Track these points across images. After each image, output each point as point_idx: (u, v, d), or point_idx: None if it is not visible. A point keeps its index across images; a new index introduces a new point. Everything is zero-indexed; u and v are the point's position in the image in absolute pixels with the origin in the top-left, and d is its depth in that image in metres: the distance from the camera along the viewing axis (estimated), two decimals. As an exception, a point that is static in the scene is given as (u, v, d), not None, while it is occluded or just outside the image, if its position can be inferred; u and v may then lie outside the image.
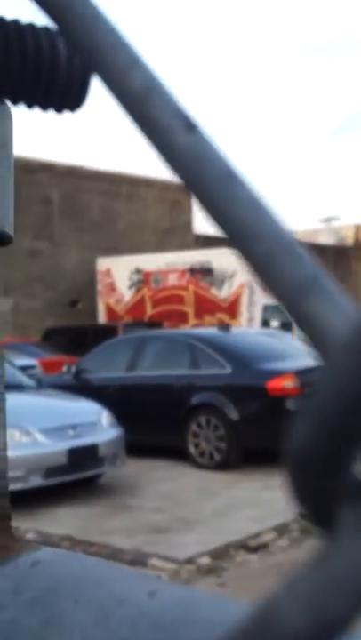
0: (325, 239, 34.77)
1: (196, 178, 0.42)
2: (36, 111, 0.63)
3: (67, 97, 0.62)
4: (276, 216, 0.42)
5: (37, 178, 21.14)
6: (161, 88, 0.44)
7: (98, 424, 8.75)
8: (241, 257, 0.42)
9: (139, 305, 20.03)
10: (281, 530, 7.21)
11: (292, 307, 0.30)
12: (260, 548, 6.86)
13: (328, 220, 39.79)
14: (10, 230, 0.61)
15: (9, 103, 0.62)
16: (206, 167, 0.41)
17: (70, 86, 0.61)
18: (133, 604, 0.47)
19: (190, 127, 0.43)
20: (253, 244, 0.41)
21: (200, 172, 0.41)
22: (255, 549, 6.81)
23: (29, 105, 0.62)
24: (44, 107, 0.62)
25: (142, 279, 20.07)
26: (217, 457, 9.81)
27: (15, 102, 0.62)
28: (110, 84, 0.43)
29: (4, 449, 0.58)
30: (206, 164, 0.41)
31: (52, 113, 0.63)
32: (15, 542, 0.56)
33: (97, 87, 0.61)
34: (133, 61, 0.44)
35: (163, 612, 0.46)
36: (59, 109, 0.63)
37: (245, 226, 0.41)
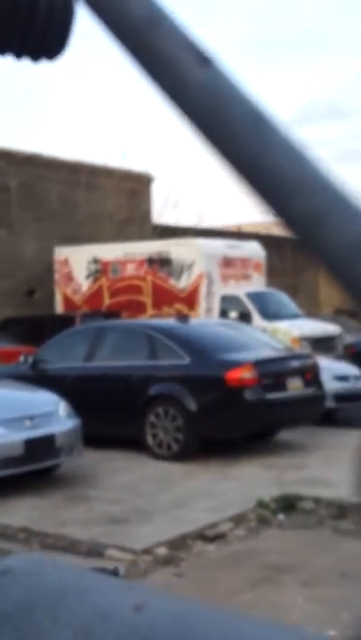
0: (285, 231, 34.88)
1: (216, 121, 0.35)
2: (7, 61, 0.56)
3: (45, 40, 0.54)
4: (319, 165, 0.35)
5: (-5, 165, 20.93)
6: (166, 17, 0.38)
7: (55, 415, 8.68)
8: (277, 215, 0.35)
9: (96, 295, 19.92)
10: (238, 520, 7.25)
11: (345, 272, 0.26)
12: (218, 537, 6.88)
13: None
14: None
15: None
16: (227, 108, 0.35)
17: (49, 27, 0.53)
18: (119, 620, 0.43)
19: (204, 60, 0.37)
20: (294, 199, 0.34)
21: (220, 113, 0.35)
22: (212, 539, 6.83)
23: (2, 52, 0.54)
24: (19, 53, 0.54)
25: (100, 269, 19.96)
26: (175, 447, 9.81)
27: None
28: (106, 13, 0.38)
29: None
30: (227, 104, 0.35)
31: (26, 61, 0.56)
32: None
33: (79, 30, 0.55)
34: None
35: (152, 628, 0.42)
36: (35, 56, 0.55)
37: (283, 177, 0.34)
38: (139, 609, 0.43)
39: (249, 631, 0.41)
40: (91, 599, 0.45)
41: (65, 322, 15.59)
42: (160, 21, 0.38)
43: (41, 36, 0.54)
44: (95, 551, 6.42)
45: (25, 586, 0.46)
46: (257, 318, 16.93)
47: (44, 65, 0.57)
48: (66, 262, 20.72)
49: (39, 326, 15.99)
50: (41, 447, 8.24)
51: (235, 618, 0.42)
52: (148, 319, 15.53)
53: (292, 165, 0.35)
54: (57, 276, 20.89)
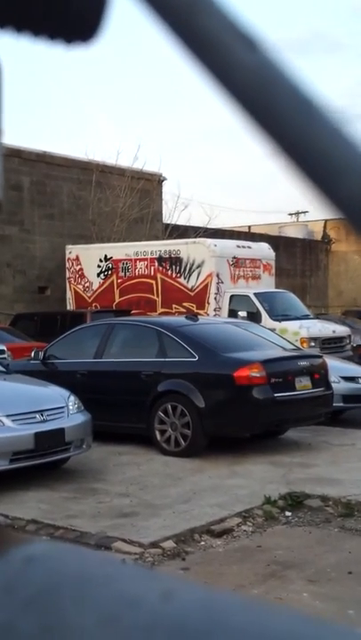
0: (294, 233, 34.94)
1: (263, 104, 0.36)
2: (40, 45, 0.52)
3: (80, 23, 0.51)
4: None
5: (7, 163, 20.98)
6: (212, 0, 0.38)
7: (65, 409, 8.75)
8: (324, 196, 0.37)
9: (107, 292, 20.01)
10: (245, 516, 7.28)
11: None
12: (225, 533, 6.91)
13: (297, 214, 40.02)
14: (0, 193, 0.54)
15: (10, 33, 0.52)
16: (275, 90, 0.36)
17: (85, 9, 0.51)
18: (146, 607, 0.41)
19: (251, 45, 0.37)
20: (343, 180, 0.36)
21: (267, 96, 0.36)
22: (220, 534, 6.86)
23: (35, 34, 0.51)
24: (53, 36, 0.52)
25: (111, 267, 20.05)
26: (183, 443, 9.86)
27: (19, 30, 0.51)
28: None
29: None
30: (274, 87, 0.36)
31: (60, 45, 0.52)
32: (4, 534, 0.51)
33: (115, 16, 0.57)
34: None
35: (180, 616, 0.40)
36: (69, 39, 0.52)
37: (331, 158, 0.35)
38: (166, 597, 0.42)
39: (280, 621, 0.40)
40: (116, 586, 0.43)
41: (76, 318, 15.67)
42: (206, 4, 0.38)
43: (75, 18, 0.51)
44: (103, 544, 6.48)
45: (48, 572, 0.45)
46: (266, 318, 16.98)
47: (78, 50, 0.53)
48: (77, 260, 20.82)
49: (50, 322, 16.06)
50: (51, 441, 8.31)
51: (265, 607, 0.42)
52: (158, 317, 15.58)
53: (341, 146, 0.36)
54: (68, 274, 20.99)
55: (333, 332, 17.65)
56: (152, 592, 0.42)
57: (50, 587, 0.43)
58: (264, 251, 20.12)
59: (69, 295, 20.88)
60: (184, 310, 17.35)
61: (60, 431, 8.42)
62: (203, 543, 6.67)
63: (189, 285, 18.62)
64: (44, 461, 8.27)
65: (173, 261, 18.92)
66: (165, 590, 0.42)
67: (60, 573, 0.45)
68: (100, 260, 20.25)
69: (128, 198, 23.74)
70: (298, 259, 32.83)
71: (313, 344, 16.47)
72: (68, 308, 20.39)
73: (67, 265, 21.07)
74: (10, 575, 0.45)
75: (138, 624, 0.40)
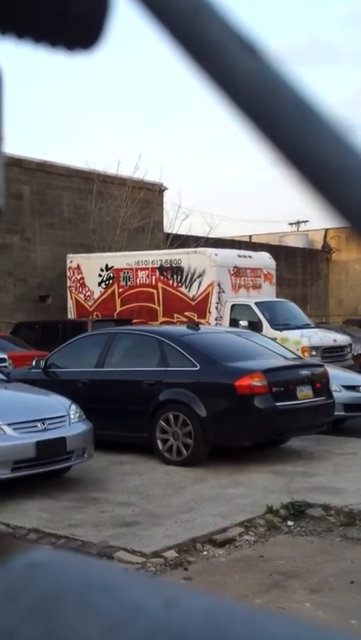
0: (295, 242, 34.98)
1: (264, 110, 0.36)
2: (42, 52, 0.52)
3: (82, 30, 0.51)
4: None
5: (8, 172, 20.98)
6: (213, 7, 0.38)
7: (66, 418, 8.74)
8: (326, 204, 0.37)
9: (108, 301, 20.03)
10: (247, 525, 7.26)
11: None
12: (227, 542, 6.90)
13: (297, 223, 40.07)
14: (1, 198, 0.52)
15: (10, 39, 0.51)
16: (276, 97, 0.36)
17: (86, 16, 0.50)
18: (149, 615, 0.41)
19: (252, 52, 0.37)
20: (345, 186, 0.35)
21: (268, 102, 0.36)
22: (222, 544, 6.85)
23: (37, 40, 0.51)
24: (54, 43, 0.51)
25: (112, 276, 20.08)
26: (185, 453, 9.85)
27: (20, 37, 0.51)
28: (151, 3, 0.38)
29: None
30: (277, 95, 0.36)
31: (61, 52, 0.51)
32: (6, 541, 0.50)
33: (117, 20, 0.56)
34: None
35: (184, 624, 0.40)
36: (71, 46, 0.52)
37: (333, 164, 0.35)
38: (170, 604, 0.41)
39: (283, 629, 0.40)
40: (119, 594, 0.43)
41: (77, 327, 15.68)
42: (207, 11, 0.38)
43: (77, 24, 0.51)
44: (105, 553, 6.46)
45: (50, 579, 0.45)
46: (267, 327, 16.98)
47: (80, 57, 0.53)
48: (78, 269, 20.85)
49: (51, 331, 16.07)
50: (52, 450, 8.29)
51: (268, 615, 0.41)
52: (159, 326, 15.57)
53: (343, 154, 0.36)
54: (69, 283, 21.02)
55: (334, 340, 17.65)
56: (155, 599, 0.42)
57: (52, 594, 0.43)
58: (265, 260, 20.14)
59: (70, 304, 20.90)
60: (185, 320, 17.36)
61: (62, 440, 8.41)
62: (205, 553, 6.65)
63: (191, 295, 18.64)
64: (45, 470, 8.25)
65: (175, 271, 18.94)
66: (168, 598, 0.42)
67: (62, 580, 0.44)
68: (102, 270, 20.27)
69: (129, 208, 23.78)
70: (299, 268, 32.87)
71: (314, 353, 16.46)
72: (69, 316, 20.40)
73: (68, 274, 21.09)
74: (12, 582, 0.44)
75: (141, 631, 0.40)
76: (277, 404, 9.87)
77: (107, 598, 0.42)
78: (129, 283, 19.76)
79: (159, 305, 19.13)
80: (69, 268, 21.09)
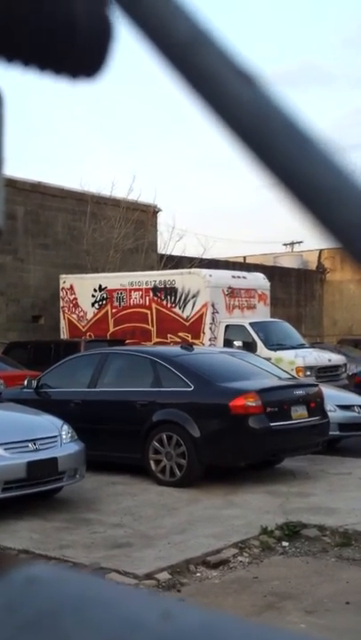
0: (289, 263, 35.04)
1: (260, 137, 0.38)
2: (46, 79, 0.52)
3: (86, 59, 0.51)
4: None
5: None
6: (210, 38, 0.40)
7: (58, 438, 8.66)
8: (321, 226, 0.37)
9: (101, 322, 20.00)
10: (241, 546, 7.18)
11: None
12: (221, 564, 6.82)
13: (291, 244, 40.17)
14: (1, 220, 0.53)
15: (15, 67, 0.52)
16: (271, 124, 0.37)
17: (90, 45, 0.51)
18: (148, 628, 0.41)
19: (247, 80, 0.39)
20: (338, 209, 0.36)
21: (264, 130, 0.37)
22: (216, 565, 6.76)
23: (41, 68, 0.51)
24: (58, 71, 0.51)
25: (105, 297, 20.06)
26: (178, 473, 9.76)
27: (26, 65, 0.51)
28: (151, 35, 0.39)
29: None
30: (271, 121, 0.38)
31: (65, 80, 0.52)
32: (4, 556, 0.49)
33: (121, 47, 0.55)
34: (176, 10, 0.40)
35: (182, 637, 0.41)
36: (74, 74, 0.52)
37: (327, 189, 0.36)
38: (166, 617, 0.42)
39: None
40: (117, 608, 0.43)
41: (70, 347, 15.62)
42: (204, 43, 0.40)
43: (81, 53, 0.52)
44: (97, 575, 6.35)
45: (50, 594, 0.45)
46: (261, 348, 16.95)
47: (83, 85, 0.54)
48: (71, 289, 20.84)
49: (44, 351, 16.02)
50: (43, 470, 8.22)
51: (266, 630, 0.41)
52: (153, 346, 15.52)
53: (336, 177, 0.37)
54: (62, 303, 21.00)
55: (329, 360, 17.63)
56: (152, 613, 0.42)
57: (51, 608, 0.43)
58: (259, 281, 20.16)
59: (63, 324, 20.87)
60: (179, 340, 17.31)
61: (53, 460, 8.33)
62: (198, 574, 6.57)
63: (185, 315, 18.61)
64: (36, 491, 8.18)
65: (168, 291, 18.92)
66: (164, 610, 0.42)
67: (61, 595, 0.44)
68: (95, 290, 20.26)
69: (123, 229, 23.81)
70: (293, 288, 32.90)
71: (309, 373, 16.42)
72: (62, 337, 20.35)
73: (61, 294, 21.08)
74: (11, 596, 0.45)
75: None
76: (272, 424, 9.80)
77: (105, 613, 0.42)
78: (122, 303, 19.74)
79: (153, 325, 19.10)
80: (62, 288, 21.08)
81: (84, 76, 0.52)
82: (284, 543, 7.38)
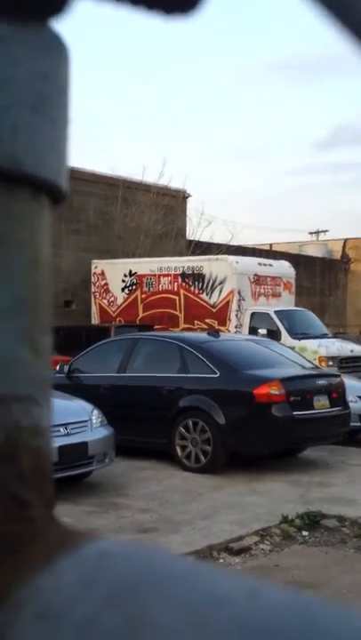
0: (314, 252, 35.03)
1: None
2: (138, 16, 0.48)
3: None
4: None
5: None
6: None
7: (88, 423, 8.91)
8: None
9: (131, 307, 20.20)
10: (263, 534, 7.40)
11: None
12: (243, 551, 7.04)
13: (317, 232, 40.10)
14: (64, 184, 0.50)
15: (105, 3, 0.46)
16: None
17: None
18: (234, 605, 0.39)
19: None
20: None
21: None
22: (238, 552, 6.99)
23: (134, 2, 0.47)
24: (151, 5, 0.47)
25: (135, 282, 20.25)
26: (203, 460, 10.00)
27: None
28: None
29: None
30: None
31: (158, 16, 0.48)
32: (70, 532, 0.47)
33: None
34: None
35: (270, 614, 0.38)
36: (168, 9, 0.47)
37: None
38: (254, 595, 0.39)
39: None
40: (199, 583, 0.41)
41: (100, 333, 15.84)
42: None
43: None
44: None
45: (125, 569, 0.43)
46: (285, 336, 17.10)
47: (177, 22, 0.48)
48: (102, 275, 21.04)
49: (75, 336, 16.23)
50: (74, 454, 8.43)
51: (358, 613, 0.39)
52: (181, 333, 15.75)
53: None
54: (93, 288, 21.19)
55: (351, 351, 17.75)
56: (238, 590, 0.40)
57: (130, 582, 0.41)
58: (285, 269, 20.26)
59: (94, 309, 21.07)
60: (206, 327, 17.50)
61: (84, 445, 8.58)
62: (221, 561, 6.80)
63: (211, 302, 18.78)
64: (66, 475, 8.32)
65: (196, 277, 19.08)
66: (252, 590, 0.40)
67: (138, 569, 0.42)
68: (125, 275, 20.46)
69: (153, 214, 23.96)
70: (317, 277, 32.91)
71: (331, 363, 16.57)
72: (93, 322, 20.57)
73: (92, 279, 21.28)
74: (86, 570, 0.43)
75: (227, 620, 0.38)
76: (295, 413, 10.00)
77: (187, 588, 0.40)
78: (152, 289, 19.92)
79: (181, 311, 19.28)
80: (94, 273, 21.29)
81: (178, 11, 0.46)
82: (304, 532, 7.61)
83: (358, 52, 0.39)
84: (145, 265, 20.27)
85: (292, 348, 14.38)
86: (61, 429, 8.53)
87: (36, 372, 0.47)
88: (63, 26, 0.47)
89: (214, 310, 18.68)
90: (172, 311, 19.37)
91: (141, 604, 0.40)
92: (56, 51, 0.48)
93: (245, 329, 18.02)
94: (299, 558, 6.96)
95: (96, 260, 21.51)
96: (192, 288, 19.12)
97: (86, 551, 0.44)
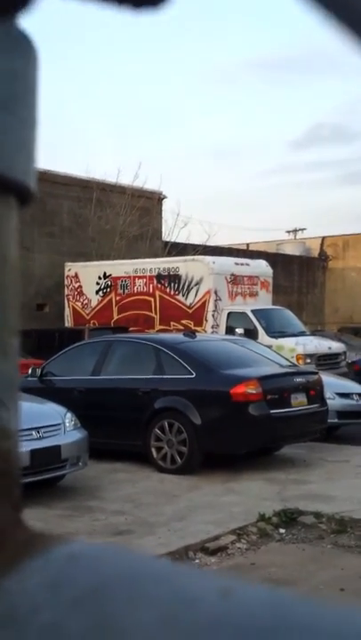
0: (292, 250, 35.09)
1: None
2: (108, 10, 0.47)
3: None
4: None
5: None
6: None
7: (61, 426, 8.80)
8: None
9: (105, 310, 20.12)
10: (240, 533, 7.33)
11: None
12: (219, 550, 6.97)
13: (294, 231, 40.20)
14: (33, 184, 0.49)
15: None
16: None
17: None
18: (206, 605, 0.38)
19: None
20: None
21: None
22: (214, 552, 6.92)
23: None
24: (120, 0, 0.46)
25: (110, 284, 20.17)
26: (179, 460, 9.91)
27: None
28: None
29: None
30: None
31: (127, 10, 0.47)
32: (38, 535, 0.46)
33: None
34: None
35: (244, 614, 0.38)
36: (137, 3, 0.46)
37: None
38: (226, 594, 0.39)
39: (350, 622, 0.38)
40: (170, 584, 0.41)
41: (74, 335, 15.75)
42: None
43: None
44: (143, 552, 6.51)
45: (95, 570, 0.42)
46: (263, 335, 17.07)
47: (147, 15, 0.47)
48: (76, 277, 20.96)
49: (48, 339, 16.13)
50: (47, 458, 8.34)
51: (335, 610, 0.39)
52: (156, 334, 15.66)
53: None
54: (67, 291, 21.11)
55: (329, 348, 17.76)
56: (209, 590, 0.40)
57: (98, 585, 0.41)
58: (262, 268, 20.24)
59: (68, 312, 20.99)
60: (182, 328, 17.43)
61: (57, 448, 8.47)
62: (197, 561, 6.72)
63: (188, 303, 18.72)
64: (39, 479, 8.24)
65: (172, 279, 19.02)
66: (225, 589, 0.39)
67: (107, 572, 0.42)
68: (99, 278, 20.38)
69: (128, 216, 23.89)
70: (295, 276, 32.98)
71: (309, 361, 16.56)
72: (67, 324, 20.48)
73: (65, 282, 21.20)
74: (54, 573, 0.42)
75: (199, 621, 0.38)
76: (272, 411, 9.94)
77: (157, 589, 0.40)
78: (126, 291, 19.85)
79: (156, 313, 19.21)
80: (67, 276, 21.20)
81: (148, 4, 0.46)
82: (282, 530, 7.54)
83: (356, 49, 0.38)
84: (119, 267, 20.19)
85: (270, 347, 14.33)
86: (34, 433, 8.43)
87: (3, 375, 0.47)
88: (30, 23, 0.47)
89: (190, 311, 18.61)
90: (147, 313, 19.30)
91: (110, 607, 0.39)
92: (24, 49, 0.48)
93: (222, 329, 17.98)
94: (276, 556, 6.88)
95: (70, 263, 21.42)
96: (168, 289, 19.06)
97: (54, 554, 0.44)
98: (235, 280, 18.97)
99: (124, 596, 0.39)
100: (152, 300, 19.29)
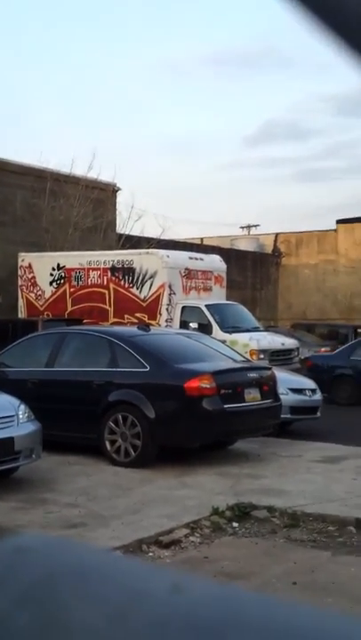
0: (245, 246, 35.25)
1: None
2: None
3: None
4: None
5: None
6: None
7: (15, 418, 8.71)
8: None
9: (59, 301, 19.99)
10: (193, 527, 7.34)
11: None
12: (173, 544, 6.97)
13: (248, 227, 40.38)
14: None
15: None
16: None
17: None
18: (156, 600, 0.38)
19: None
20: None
21: None
22: (167, 545, 6.92)
23: None
24: None
25: (64, 276, 20.03)
26: (133, 454, 9.90)
27: None
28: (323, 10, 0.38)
29: None
30: None
31: None
32: None
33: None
34: None
35: (194, 609, 0.38)
36: None
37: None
38: (176, 590, 0.39)
39: (298, 616, 0.38)
40: (120, 579, 0.40)
41: (27, 326, 15.61)
42: None
43: None
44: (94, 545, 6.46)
45: (42, 565, 0.41)
46: (216, 330, 17.14)
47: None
48: (30, 268, 20.76)
49: (1, 330, 15.95)
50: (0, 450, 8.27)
51: (280, 603, 0.40)
52: (110, 326, 15.60)
53: None
54: (20, 282, 20.90)
55: (282, 344, 17.90)
56: (160, 585, 0.39)
57: (46, 580, 0.40)
58: (216, 263, 20.30)
59: (21, 303, 20.78)
60: (136, 321, 17.40)
61: (10, 440, 8.39)
62: (151, 554, 6.72)
63: (142, 296, 18.69)
64: (-8, 470, 8.22)
65: (126, 271, 18.97)
66: (175, 584, 0.39)
67: (56, 565, 0.41)
68: (53, 269, 20.22)
69: (82, 207, 23.71)
70: (249, 271, 33.15)
71: (262, 356, 16.67)
72: (20, 316, 20.27)
73: (19, 273, 20.98)
74: (0, 566, 0.41)
75: (148, 617, 0.37)
76: (225, 406, 9.97)
77: (107, 584, 0.39)
78: (80, 282, 19.74)
79: (110, 305, 19.14)
80: (21, 266, 20.98)
81: None
82: (235, 524, 7.57)
83: (338, 48, 0.38)
84: (73, 258, 20.06)
85: (224, 342, 14.38)
86: (-14, 425, 8.32)
87: None
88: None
89: (145, 304, 18.59)
90: (101, 305, 19.22)
91: (57, 602, 0.38)
92: None
93: (176, 323, 18.00)
94: (229, 549, 6.91)
95: (23, 253, 21.20)
96: (122, 282, 19.01)
97: (1, 546, 0.42)
98: (189, 274, 18.99)
99: (71, 590, 0.39)
100: (106, 292, 19.22)
